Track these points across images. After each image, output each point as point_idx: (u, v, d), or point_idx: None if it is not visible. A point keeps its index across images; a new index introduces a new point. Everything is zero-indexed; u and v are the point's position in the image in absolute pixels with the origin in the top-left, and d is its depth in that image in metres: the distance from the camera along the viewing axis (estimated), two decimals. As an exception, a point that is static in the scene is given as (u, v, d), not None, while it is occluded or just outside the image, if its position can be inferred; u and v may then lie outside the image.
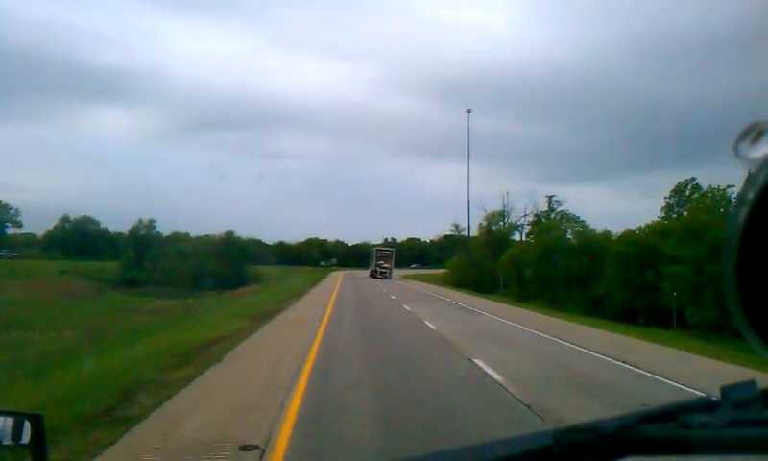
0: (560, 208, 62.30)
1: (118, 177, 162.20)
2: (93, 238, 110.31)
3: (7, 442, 1.47)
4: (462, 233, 72.62)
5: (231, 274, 76.61)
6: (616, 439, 0.89)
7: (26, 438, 1.48)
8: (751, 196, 0.78)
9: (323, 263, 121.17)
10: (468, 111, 68.71)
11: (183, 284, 69.68)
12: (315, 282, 55.14)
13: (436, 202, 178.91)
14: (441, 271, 79.13)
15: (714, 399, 0.94)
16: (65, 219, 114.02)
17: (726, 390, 0.93)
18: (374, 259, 65.59)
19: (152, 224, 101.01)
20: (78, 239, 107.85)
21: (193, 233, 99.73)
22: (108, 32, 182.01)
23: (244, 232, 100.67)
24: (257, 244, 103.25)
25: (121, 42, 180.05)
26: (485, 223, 67.85)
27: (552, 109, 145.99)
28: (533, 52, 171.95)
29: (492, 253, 60.30)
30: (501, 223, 67.52)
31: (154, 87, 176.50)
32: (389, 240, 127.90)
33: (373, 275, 62.15)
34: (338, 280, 58.58)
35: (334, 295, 37.44)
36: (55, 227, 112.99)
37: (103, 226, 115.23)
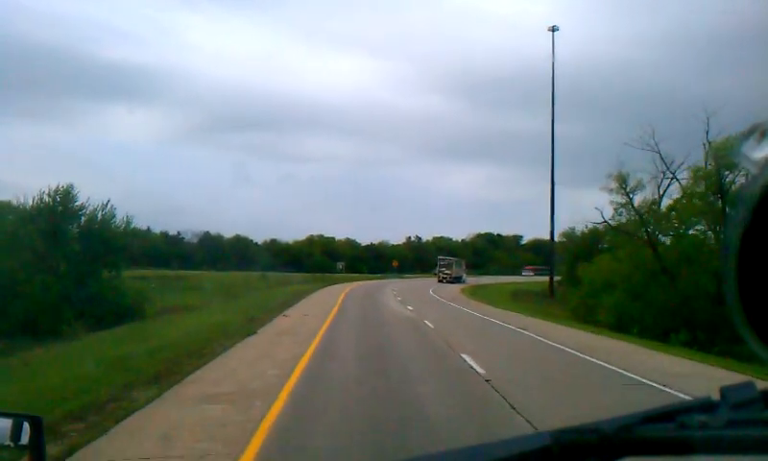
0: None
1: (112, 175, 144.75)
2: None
3: (6, 443, 1.49)
4: (636, 197, 33.25)
5: (76, 296, 28.93)
6: (615, 439, 0.89)
7: (25, 439, 1.50)
8: (752, 197, 0.79)
9: (340, 266, 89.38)
10: (554, 29, 47.97)
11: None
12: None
13: (463, 203, 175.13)
14: (526, 280, 66.54)
15: (713, 399, 0.94)
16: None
17: (725, 391, 0.92)
18: (438, 267, 77.83)
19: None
20: None
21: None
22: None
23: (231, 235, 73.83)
24: (134, 232, 38.04)
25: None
26: (711, 163, 29.44)
27: (605, 107, 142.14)
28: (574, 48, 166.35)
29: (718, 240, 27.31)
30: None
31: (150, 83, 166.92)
32: (412, 239, 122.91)
33: (440, 280, 71.76)
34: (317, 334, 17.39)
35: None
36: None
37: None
